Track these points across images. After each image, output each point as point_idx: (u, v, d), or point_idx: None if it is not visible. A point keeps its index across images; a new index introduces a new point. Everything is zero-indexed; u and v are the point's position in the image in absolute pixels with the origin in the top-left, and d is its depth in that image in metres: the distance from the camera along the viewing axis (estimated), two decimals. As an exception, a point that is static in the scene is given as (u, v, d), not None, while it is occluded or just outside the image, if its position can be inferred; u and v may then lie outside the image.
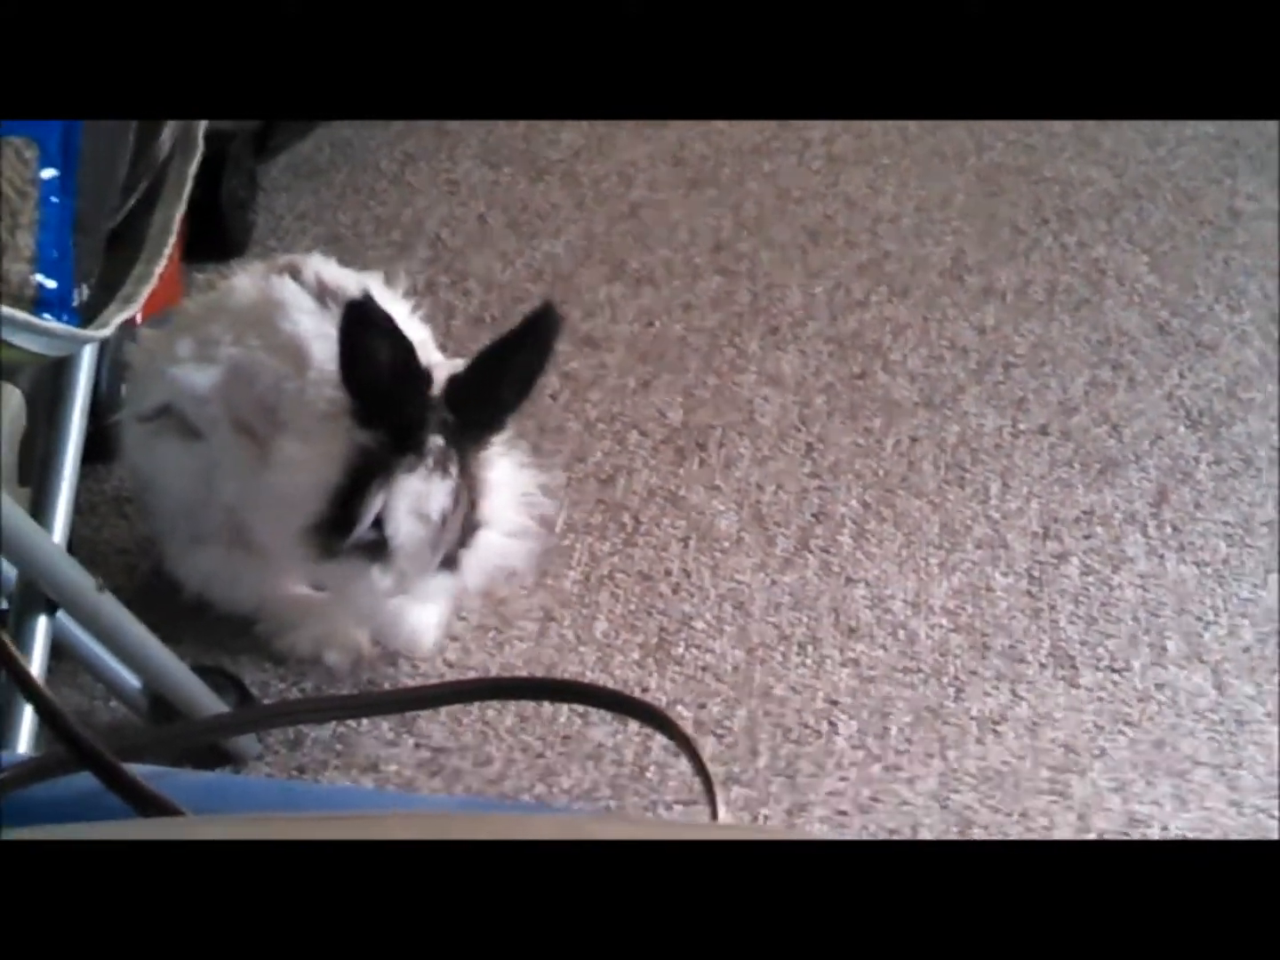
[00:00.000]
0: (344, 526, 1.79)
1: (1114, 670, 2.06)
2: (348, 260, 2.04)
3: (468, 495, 1.83)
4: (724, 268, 2.79)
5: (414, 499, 1.79)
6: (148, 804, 0.68)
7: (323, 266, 1.96)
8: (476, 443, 1.83)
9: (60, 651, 1.64)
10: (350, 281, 1.94)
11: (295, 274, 1.93)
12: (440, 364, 1.85)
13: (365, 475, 1.78)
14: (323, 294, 1.90)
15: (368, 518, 1.78)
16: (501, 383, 1.81)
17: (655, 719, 0.86)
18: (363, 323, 1.73)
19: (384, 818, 0.61)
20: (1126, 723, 1.99)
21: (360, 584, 1.86)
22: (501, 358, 1.81)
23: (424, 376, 1.78)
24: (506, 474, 1.89)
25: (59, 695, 0.69)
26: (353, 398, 1.78)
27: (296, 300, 1.89)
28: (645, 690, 1.98)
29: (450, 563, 1.85)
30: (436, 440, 1.78)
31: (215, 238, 2.62)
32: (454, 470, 1.80)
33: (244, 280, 1.96)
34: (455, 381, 1.79)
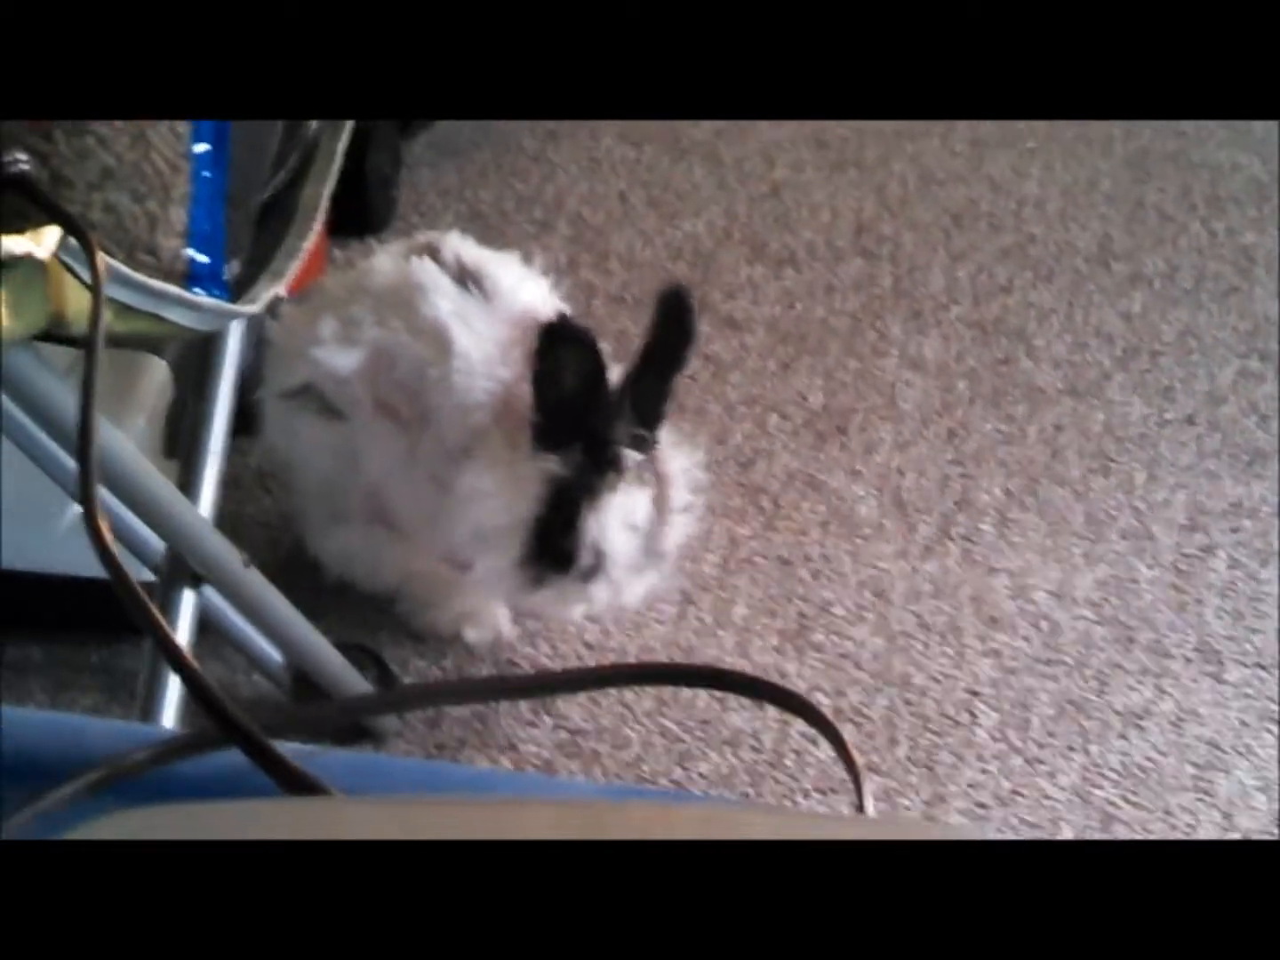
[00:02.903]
0: (561, 560, 1.81)
1: (1261, 666, 2.02)
2: (489, 237, 2.04)
3: (662, 491, 1.84)
4: (866, 250, 2.77)
5: (623, 514, 1.81)
6: (296, 783, 0.68)
7: (462, 246, 1.96)
8: (655, 440, 1.84)
9: (202, 624, 1.65)
10: (490, 261, 1.94)
11: (434, 254, 1.93)
12: None
13: (570, 503, 1.78)
14: (462, 276, 1.90)
15: (586, 548, 1.80)
16: (659, 375, 1.82)
17: (802, 708, 0.85)
18: (560, 338, 1.74)
19: (528, 804, 0.60)
20: (1274, 720, 1.96)
21: (580, 604, 1.90)
22: (654, 351, 1.81)
23: (611, 392, 1.78)
24: (672, 455, 1.89)
25: (202, 668, 0.69)
26: (546, 420, 1.78)
27: (436, 283, 1.89)
28: (784, 676, 1.97)
29: (659, 555, 1.88)
30: (629, 453, 1.79)
31: (359, 213, 2.63)
32: (648, 475, 1.82)
33: (384, 261, 1.96)
34: (628, 386, 1.79)
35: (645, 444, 1.81)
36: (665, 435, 1.88)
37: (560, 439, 1.78)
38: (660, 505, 1.85)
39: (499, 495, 1.80)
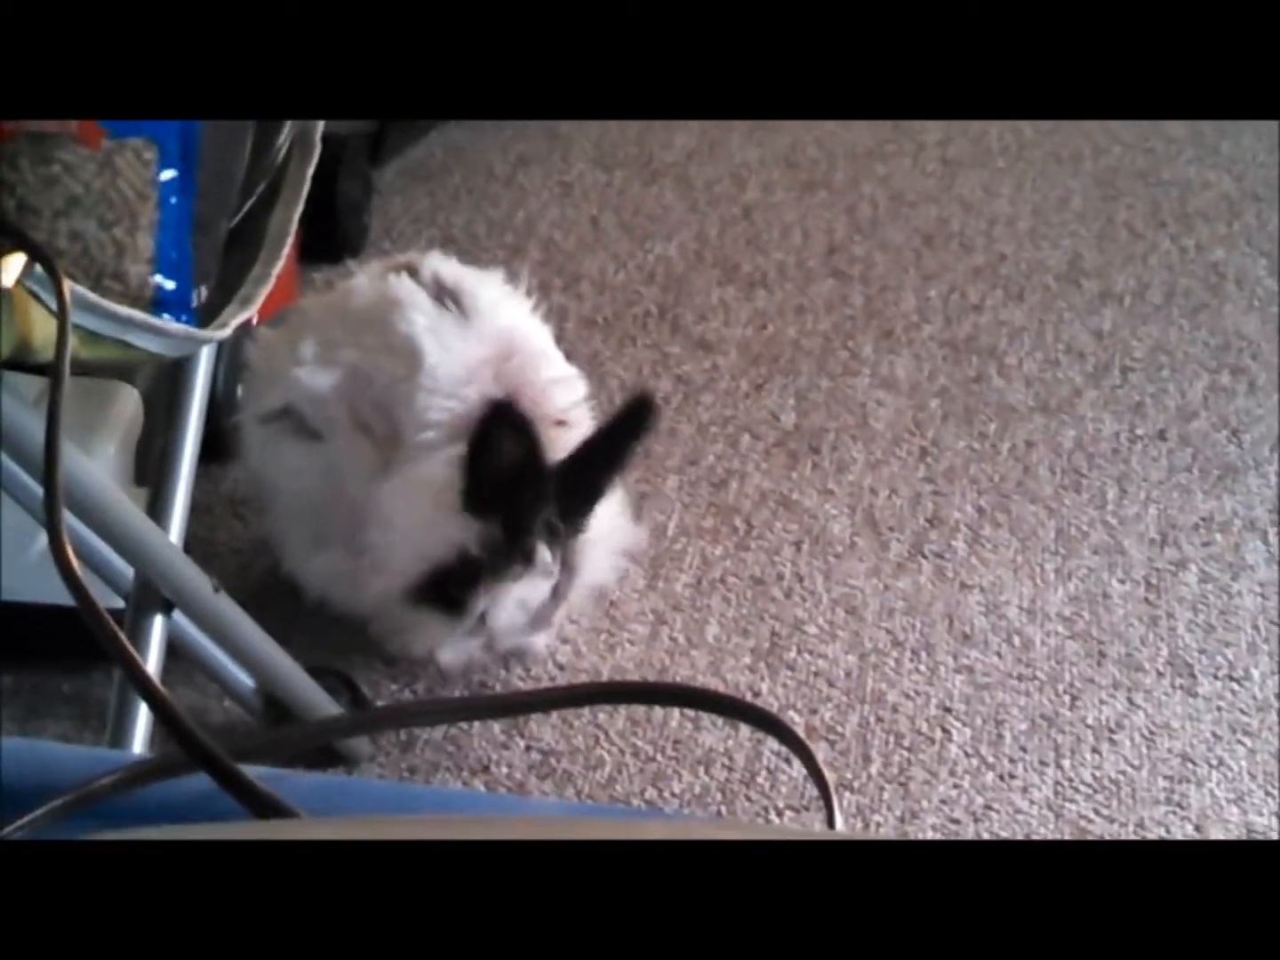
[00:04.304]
0: (448, 612, 1.85)
1: (1233, 679, 2.03)
2: (461, 262, 2.04)
3: (567, 580, 1.89)
4: (838, 271, 2.78)
5: (518, 599, 1.85)
6: (263, 806, 0.68)
7: (441, 264, 1.97)
8: (578, 531, 1.87)
9: (175, 651, 1.65)
10: (470, 279, 1.95)
11: (413, 272, 1.94)
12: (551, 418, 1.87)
13: (472, 570, 1.82)
14: (440, 293, 1.91)
15: (474, 616, 1.85)
16: (600, 470, 1.84)
17: (772, 725, 0.86)
18: (503, 423, 1.76)
19: (497, 821, 0.61)
20: (1245, 732, 1.96)
21: (448, 645, 1.92)
22: (601, 448, 1.83)
23: (544, 484, 1.80)
24: (602, 530, 1.91)
25: (174, 695, 0.69)
26: (470, 486, 1.80)
27: (413, 299, 1.90)
28: (756, 695, 1.97)
29: (545, 627, 1.94)
30: (544, 550, 1.82)
31: (330, 240, 2.64)
32: (556, 570, 1.85)
33: (362, 281, 1.97)
34: (559, 477, 1.81)
35: (561, 535, 1.84)
36: (610, 503, 1.93)
37: (484, 508, 1.80)
38: (560, 592, 1.89)
39: (411, 530, 1.83)
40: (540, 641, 2.00)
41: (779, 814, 1.83)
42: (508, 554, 1.81)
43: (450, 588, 1.83)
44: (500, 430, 1.76)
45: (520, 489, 1.78)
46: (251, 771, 0.68)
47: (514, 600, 1.84)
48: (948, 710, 1.97)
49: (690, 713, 1.93)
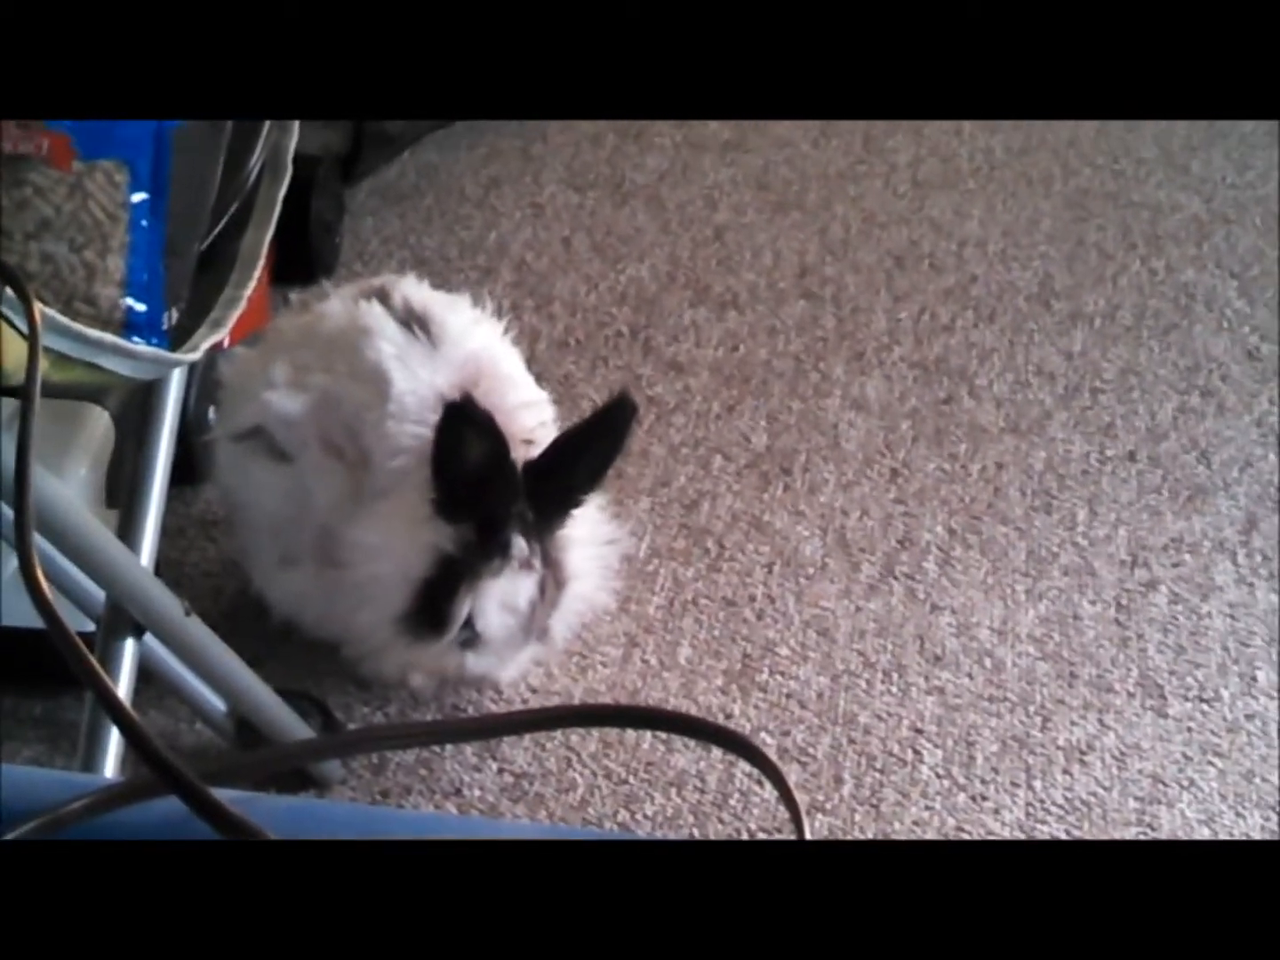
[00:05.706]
0: (436, 626, 1.83)
1: (1203, 700, 2.04)
2: (433, 284, 2.04)
3: (553, 578, 1.86)
4: (809, 292, 2.78)
5: (502, 598, 1.82)
6: (233, 829, 0.68)
7: (412, 290, 1.97)
8: (555, 527, 1.85)
9: (146, 674, 1.65)
10: (439, 305, 1.95)
11: (384, 298, 1.94)
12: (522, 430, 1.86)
13: (452, 574, 1.81)
14: (409, 319, 1.91)
15: (458, 622, 1.82)
16: (577, 468, 1.83)
17: (742, 747, 0.86)
18: (462, 421, 1.75)
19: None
20: (1216, 753, 1.97)
21: (454, 667, 1.90)
22: (577, 445, 1.83)
23: (512, 477, 1.79)
24: (587, 527, 1.90)
25: (145, 718, 0.69)
26: (440, 492, 1.79)
27: (381, 326, 1.90)
28: (729, 717, 1.97)
29: (542, 634, 1.90)
30: (519, 541, 1.80)
31: (302, 261, 2.63)
32: (538, 564, 1.83)
33: (335, 305, 1.97)
34: (532, 473, 1.81)
35: (537, 528, 1.83)
36: (593, 502, 1.91)
37: (456, 513, 1.80)
38: (549, 590, 1.86)
39: (390, 553, 1.82)
40: (511, 670, 1.98)
41: (751, 836, 1.83)
42: (484, 549, 1.80)
43: (435, 599, 1.81)
44: (461, 427, 1.75)
45: (489, 483, 1.78)
46: (222, 794, 0.68)
47: (498, 600, 1.82)
48: (919, 732, 1.98)
49: (662, 735, 1.93)
